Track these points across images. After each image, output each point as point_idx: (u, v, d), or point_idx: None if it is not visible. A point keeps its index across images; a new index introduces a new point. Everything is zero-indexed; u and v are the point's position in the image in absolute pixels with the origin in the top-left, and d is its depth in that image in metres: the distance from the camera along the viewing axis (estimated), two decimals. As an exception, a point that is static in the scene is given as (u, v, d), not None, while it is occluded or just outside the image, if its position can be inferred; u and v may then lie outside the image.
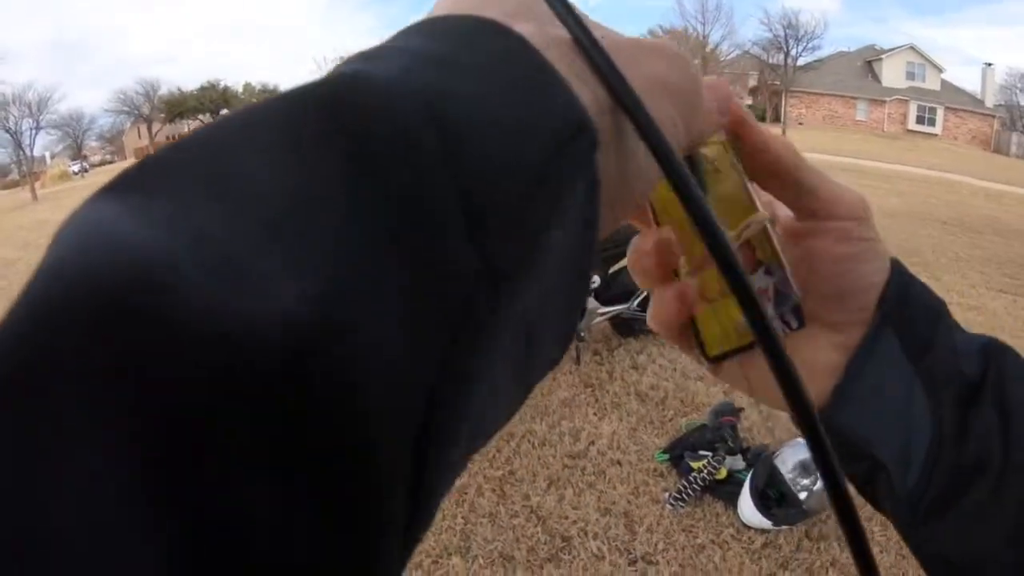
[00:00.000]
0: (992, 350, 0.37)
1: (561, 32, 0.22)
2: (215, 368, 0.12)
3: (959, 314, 3.24)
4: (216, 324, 0.13)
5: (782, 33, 42.72)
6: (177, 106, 57.33)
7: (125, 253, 0.13)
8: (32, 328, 0.13)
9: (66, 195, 29.38)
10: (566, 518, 2.76)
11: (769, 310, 0.34)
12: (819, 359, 0.38)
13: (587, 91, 0.21)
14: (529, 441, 3.35)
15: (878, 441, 0.36)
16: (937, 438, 0.35)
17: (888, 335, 0.37)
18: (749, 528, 2.65)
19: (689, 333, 0.37)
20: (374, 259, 0.15)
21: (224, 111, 58.19)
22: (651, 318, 0.37)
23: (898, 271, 0.38)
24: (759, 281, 0.35)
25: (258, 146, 0.15)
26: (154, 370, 0.12)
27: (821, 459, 0.24)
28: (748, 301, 0.22)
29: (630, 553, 2.59)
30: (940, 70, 45.90)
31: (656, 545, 2.61)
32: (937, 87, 45.10)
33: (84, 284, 0.13)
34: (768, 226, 0.36)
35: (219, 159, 0.15)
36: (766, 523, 2.60)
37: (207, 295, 0.13)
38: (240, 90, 63.40)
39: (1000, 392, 0.36)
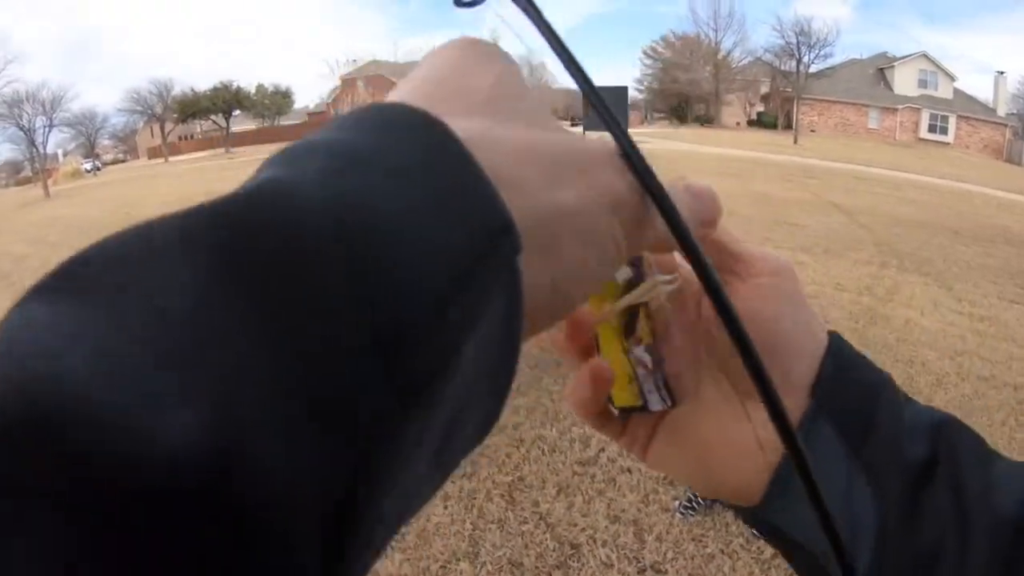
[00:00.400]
0: (944, 428, 0.35)
1: (523, 134, 0.23)
2: (114, 490, 0.12)
3: (969, 324, 3.24)
4: (117, 446, 0.12)
5: (794, 40, 42.65)
6: (190, 106, 57.53)
7: (34, 367, 0.13)
8: None
9: (78, 192, 29.49)
10: (575, 525, 2.76)
11: (649, 383, 0.36)
12: (748, 437, 0.35)
13: (522, 198, 0.20)
14: (539, 447, 3.36)
15: (819, 540, 0.31)
16: (883, 529, 0.33)
17: (823, 424, 0.34)
18: (759, 538, 2.63)
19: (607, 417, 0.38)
20: (274, 384, 0.14)
21: (236, 112, 58.50)
22: (568, 397, 0.36)
23: (836, 347, 0.36)
24: (639, 353, 0.36)
25: (160, 267, 0.15)
26: (55, 487, 0.12)
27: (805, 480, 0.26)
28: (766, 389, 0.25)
29: (639, 561, 2.59)
30: (952, 78, 45.72)
31: (665, 554, 2.60)
32: (949, 95, 44.93)
33: None
34: (646, 308, 0.36)
35: (124, 276, 0.15)
36: (776, 534, 2.59)
37: (110, 416, 0.13)
38: (252, 91, 63.60)
39: (955, 475, 0.33)
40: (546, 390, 3.94)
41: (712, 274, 0.25)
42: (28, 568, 0.12)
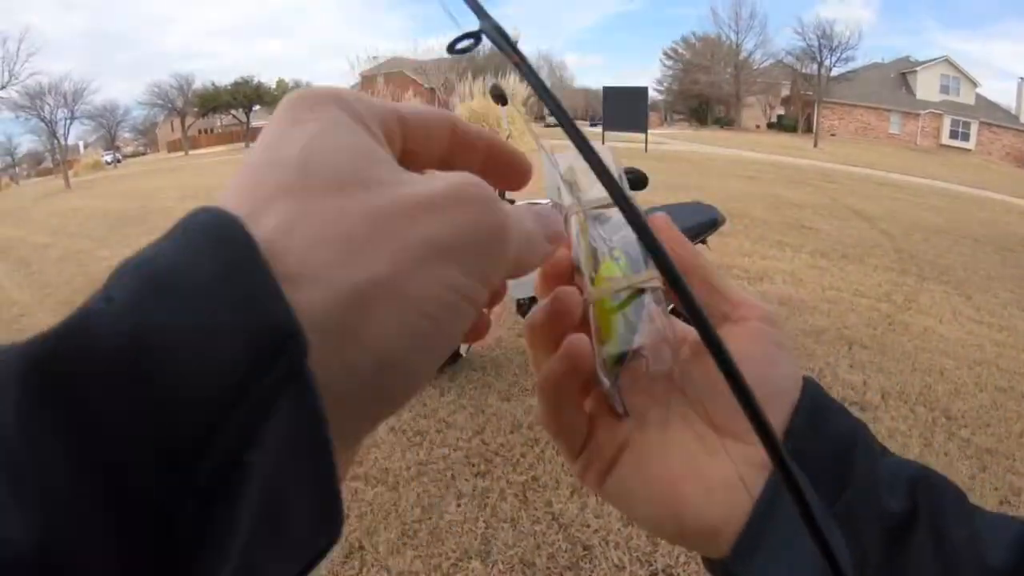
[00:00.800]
0: (924, 480, 0.34)
1: (327, 208, 0.22)
2: None
3: (988, 334, 3.22)
4: None
5: (816, 43, 42.40)
6: (210, 100, 57.92)
7: None
8: None
9: (98, 184, 29.71)
10: (588, 526, 2.77)
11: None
12: (724, 471, 0.34)
13: (318, 288, 0.21)
14: (553, 447, 3.33)
15: None
16: None
17: (783, 499, 0.32)
18: None
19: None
20: (80, 501, 0.16)
21: (256, 107, 58.85)
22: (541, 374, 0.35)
23: (811, 392, 0.36)
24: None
25: None
26: None
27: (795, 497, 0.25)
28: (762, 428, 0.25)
29: (651, 565, 2.58)
30: (975, 84, 45.37)
31: (678, 558, 2.59)
32: (971, 101, 44.58)
33: None
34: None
35: None
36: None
37: None
38: (273, 86, 63.88)
39: (937, 525, 0.33)
40: (561, 391, 3.92)
41: (698, 307, 0.26)
42: None
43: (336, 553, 2.65)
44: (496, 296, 0.32)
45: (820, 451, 0.34)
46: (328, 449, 0.20)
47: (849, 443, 0.35)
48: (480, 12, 0.29)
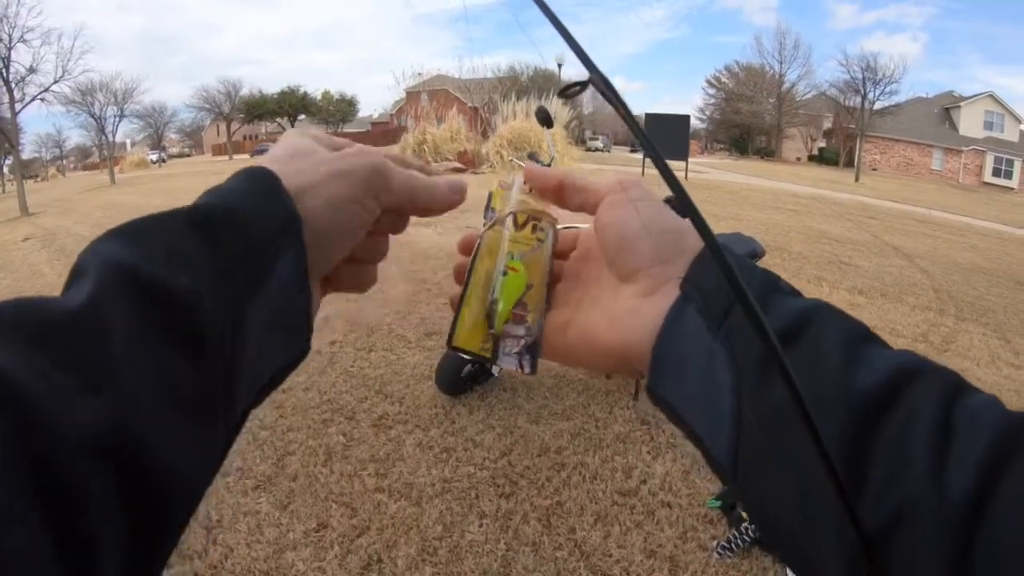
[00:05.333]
0: (818, 310, 0.38)
1: (301, 166, 0.44)
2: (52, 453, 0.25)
3: (1026, 380, 3.08)
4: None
5: (860, 75, 41.97)
6: (256, 107, 58.92)
7: None
8: None
9: (142, 181, 30.26)
10: (610, 556, 2.74)
11: (515, 348, 0.49)
12: (628, 306, 0.44)
13: (304, 178, 0.42)
14: (580, 473, 3.33)
15: (689, 412, 0.39)
16: (738, 401, 0.36)
17: (688, 310, 0.40)
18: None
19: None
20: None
21: (302, 116, 59.69)
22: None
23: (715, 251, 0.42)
24: (514, 330, 0.49)
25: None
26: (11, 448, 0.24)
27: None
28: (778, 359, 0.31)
29: (673, 599, 2.54)
30: (1019, 120, 44.70)
31: (700, 593, 2.55)
32: (1015, 138, 43.93)
33: None
34: (528, 292, 0.50)
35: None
36: (815, 583, 2.53)
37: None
38: (319, 97, 64.77)
39: (815, 344, 0.36)
40: (592, 416, 3.93)
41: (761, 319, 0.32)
42: None
43: (354, 564, 2.66)
44: (398, 222, 0.50)
45: (709, 290, 0.40)
46: (307, 282, 0.40)
47: (745, 275, 0.38)
48: (589, 65, 0.39)
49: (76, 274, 0.32)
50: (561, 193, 0.51)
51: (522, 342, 0.49)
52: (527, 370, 0.49)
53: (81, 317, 0.28)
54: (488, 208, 0.54)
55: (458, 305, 0.51)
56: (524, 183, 0.53)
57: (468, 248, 0.52)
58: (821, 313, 0.38)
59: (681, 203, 0.36)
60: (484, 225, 0.53)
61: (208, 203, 0.37)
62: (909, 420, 0.32)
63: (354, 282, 0.50)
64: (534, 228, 0.52)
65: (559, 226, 0.53)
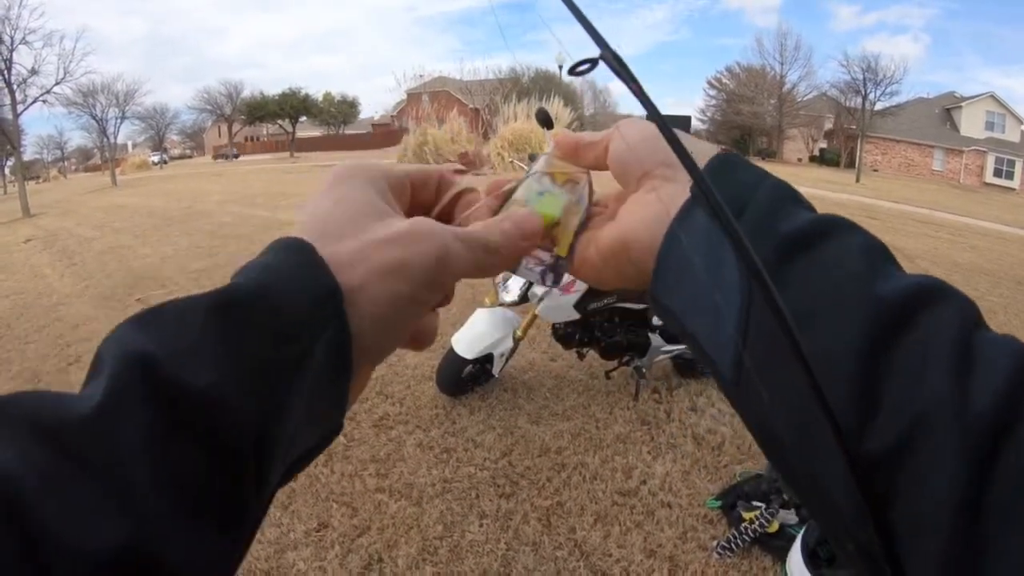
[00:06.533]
0: (837, 221, 0.37)
1: (346, 238, 0.38)
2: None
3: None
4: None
5: (861, 76, 41.87)
6: (258, 109, 58.89)
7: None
8: None
9: (144, 183, 30.26)
10: (610, 556, 2.75)
11: (538, 267, 0.49)
12: (634, 207, 0.45)
13: (353, 274, 0.36)
14: (580, 473, 3.34)
15: (690, 316, 0.39)
16: (747, 302, 0.35)
17: (697, 212, 0.39)
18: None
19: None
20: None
21: (303, 118, 59.73)
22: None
23: (725, 157, 0.42)
24: (539, 253, 0.49)
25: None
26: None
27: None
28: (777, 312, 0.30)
29: (673, 598, 2.55)
30: (1021, 121, 44.59)
31: (699, 593, 2.56)
32: (1016, 139, 43.81)
33: None
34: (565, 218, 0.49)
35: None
36: (814, 583, 2.53)
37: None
38: (320, 98, 64.75)
39: (837, 255, 0.35)
40: (592, 417, 3.94)
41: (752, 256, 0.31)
42: None
43: (354, 564, 2.67)
44: (445, 299, 0.46)
45: (720, 192, 0.36)
46: (349, 364, 0.35)
47: (752, 187, 0.40)
48: (600, 41, 0.38)
49: (95, 366, 0.30)
50: (579, 152, 0.51)
51: (545, 263, 0.49)
52: (548, 283, 0.50)
53: (96, 420, 0.27)
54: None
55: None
56: (554, 151, 0.54)
57: (495, 191, 0.51)
58: (843, 224, 0.37)
59: (673, 146, 0.35)
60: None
61: (236, 285, 0.34)
62: (929, 338, 0.31)
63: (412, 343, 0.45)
64: (572, 189, 0.52)
65: None
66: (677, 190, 0.42)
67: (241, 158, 58.59)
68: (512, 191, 0.50)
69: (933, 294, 0.33)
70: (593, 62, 0.40)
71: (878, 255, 0.36)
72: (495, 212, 0.48)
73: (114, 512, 0.25)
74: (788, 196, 0.39)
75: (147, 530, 0.26)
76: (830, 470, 0.31)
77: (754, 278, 0.31)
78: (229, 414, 0.29)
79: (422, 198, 0.48)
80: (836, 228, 0.36)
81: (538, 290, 3.65)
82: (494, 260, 0.43)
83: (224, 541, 0.29)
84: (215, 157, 65.03)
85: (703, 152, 0.42)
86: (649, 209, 0.43)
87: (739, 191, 0.39)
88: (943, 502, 0.27)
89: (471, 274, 0.41)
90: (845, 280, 0.33)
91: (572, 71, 0.41)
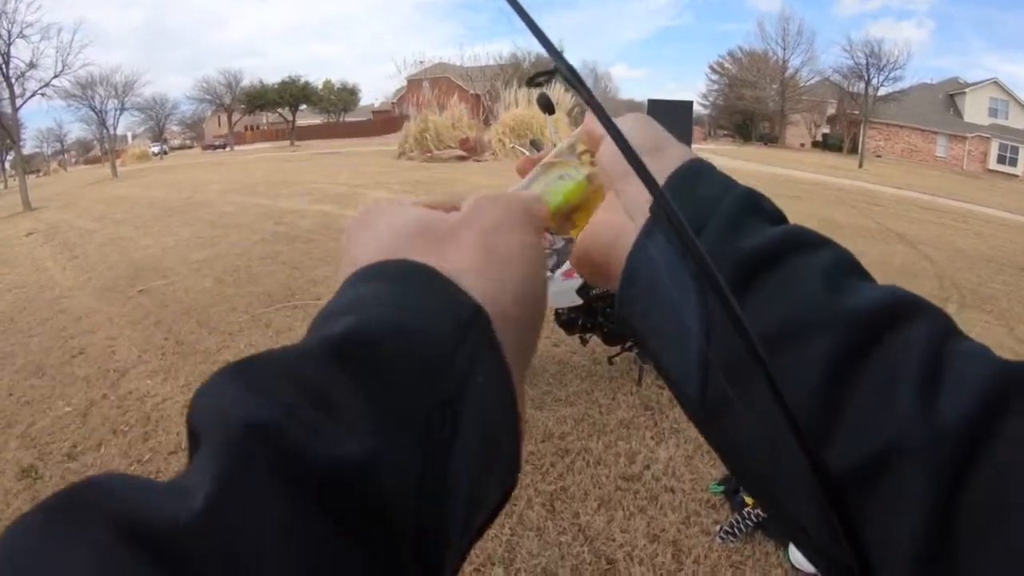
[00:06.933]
0: (797, 237, 0.35)
1: (447, 258, 0.33)
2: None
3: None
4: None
5: (864, 61, 41.70)
6: (257, 98, 58.81)
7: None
8: None
9: (144, 174, 30.25)
10: (613, 540, 2.75)
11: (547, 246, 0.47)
12: (607, 214, 0.43)
13: (486, 282, 0.32)
14: (584, 459, 3.35)
15: (655, 338, 0.38)
16: (706, 329, 0.34)
17: (656, 234, 0.37)
18: (798, 571, 2.58)
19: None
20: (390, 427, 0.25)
21: (303, 106, 59.61)
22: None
23: (687, 169, 0.40)
24: (558, 243, 0.51)
25: None
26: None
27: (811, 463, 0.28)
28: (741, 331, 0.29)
29: (676, 582, 2.56)
30: (1024, 107, 44.42)
31: (703, 577, 2.57)
32: (1020, 125, 43.63)
33: None
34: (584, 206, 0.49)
35: None
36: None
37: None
38: (320, 86, 64.61)
39: (797, 270, 0.34)
40: (595, 402, 3.94)
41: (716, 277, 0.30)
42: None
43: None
44: None
45: (687, 204, 0.36)
46: (514, 394, 0.31)
47: (713, 203, 0.37)
48: (555, 54, 0.37)
49: (193, 439, 0.24)
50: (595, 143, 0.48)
51: (551, 248, 0.50)
52: (550, 265, 0.51)
53: (209, 521, 0.20)
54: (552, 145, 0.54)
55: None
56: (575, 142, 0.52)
57: (524, 172, 0.51)
58: (807, 238, 0.36)
59: (628, 157, 0.34)
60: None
61: (355, 324, 0.27)
62: (896, 355, 0.30)
63: None
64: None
65: None
66: (640, 198, 0.39)
67: (238, 147, 58.48)
68: (542, 162, 0.51)
69: (901, 309, 0.32)
70: (550, 73, 0.43)
71: (843, 269, 0.34)
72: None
73: None
74: (752, 207, 0.38)
75: None
76: (799, 491, 0.30)
77: (715, 292, 0.30)
78: (385, 490, 0.23)
79: None
80: (800, 243, 0.35)
81: None
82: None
83: None
84: (204, 148, 64.94)
85: (672, 157, 0.41)
86: (613, 217, 0.42)
87: (700, 206, 0.37)
88: (912, 526, 0.26)
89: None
90: (809, 298, 0.32)
91: (530, 82, 0.44)
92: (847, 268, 0.35)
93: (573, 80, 0.37)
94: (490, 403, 0.28)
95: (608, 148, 0.44)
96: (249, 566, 0.19)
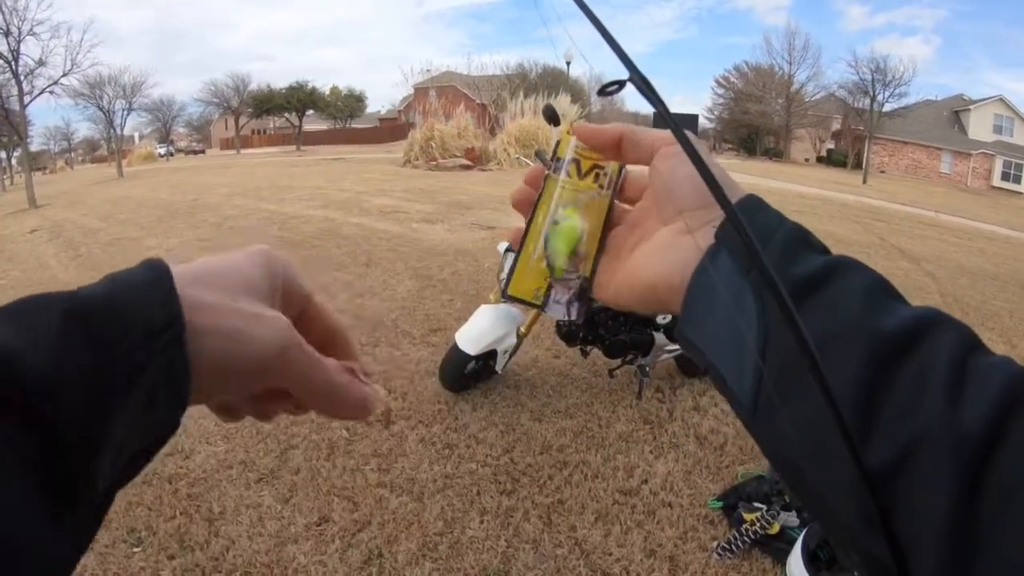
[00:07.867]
0: (846, 265, 0.40)
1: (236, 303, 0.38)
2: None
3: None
4: None
5: (869, 77, 41.69)
6: (264, 102, 58.97)
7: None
8: None
9: (150, 175, 30.29)
10: (610, 555, 2.74)
11: (565, 297, 0.52)
12: (662, 243, 0.47)
13: (201, 318, 0.36)
14: (582, 471, 3.34)
15: (713, 350, 0.41)
16: (764, 342, 0.38)
17: (722, 253, 0.42)
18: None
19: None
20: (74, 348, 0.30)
21: (310, 111, 59.75)
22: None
23: (748, 202, 0.45)
24: (566, 276, 0.52)
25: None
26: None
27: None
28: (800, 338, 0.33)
29: (673, 598, 2.54)
30: (1029, 125, 44.44)
31: (700, 593, 2.56)
32: (1024, 142, 43.62)
33: None
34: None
35: None
36: (814, 585, 2.52)
37: None
38: (327, 92, 64.78)
39: (838, 295, 0.38)
40: (595, 415, 3.94)
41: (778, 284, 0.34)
42: None
43: (354, 558, 2.67)
44: (297, 409, 0.45)
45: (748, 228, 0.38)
46: (185, 395, 0.34)
47: (769, 231, 0.42)
48: (629, 65, 0.40)
49: None
50: (619, 147, 0.52)
51: (572, 290, 0.52)
52: (574, 316, 0.51)
53: None
54: (554, 156, 0.55)
55: (516, 253, 0.53)
56: (575, 144, 0.54)
57: (534, 183, 0.54)
58: (848, 264, 0.40)
59: (703, 175, 0.39)
60: (550, 172, 0.55)
61: (93, 293, 0.34)
62: (925, 364, 0.33)
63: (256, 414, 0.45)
64: (596, 176, 0.54)
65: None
66: (708, 232, 0.44)
67: (245, 151, 58.58)
68: (532, 216, 0.53)
69: (931, 324, 0.36)
70: (621, 84, 0.43)
71: (880, 292, 0.38)
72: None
73: None
74: (802, 240, 0.42)
75: None
76: (841, 486, 0.33)
77: (776, 300, 0.33)
78: (60, 404, 0.29)
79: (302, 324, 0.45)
80: (843, 268, 0.39)
81: None
82: (331, 390, 0.41)
83: (57, 526, 0.29)
84: (187, 153, 65.13)
85: (729, 187, 0.44)
86: (685, 254, 0.45)
87: (760, 234, 0.41)
88: (936, 520, 0.29)
89: (303, 388, 0.40)
90: (848, 316, 0.36)
91: (601, 92, 0.45)
92: (884, 291, 0.39)
93: (646, 91, 0.39)
94: (159, 395, 0.33)
95: (665, 163, 0.48)
96: None
